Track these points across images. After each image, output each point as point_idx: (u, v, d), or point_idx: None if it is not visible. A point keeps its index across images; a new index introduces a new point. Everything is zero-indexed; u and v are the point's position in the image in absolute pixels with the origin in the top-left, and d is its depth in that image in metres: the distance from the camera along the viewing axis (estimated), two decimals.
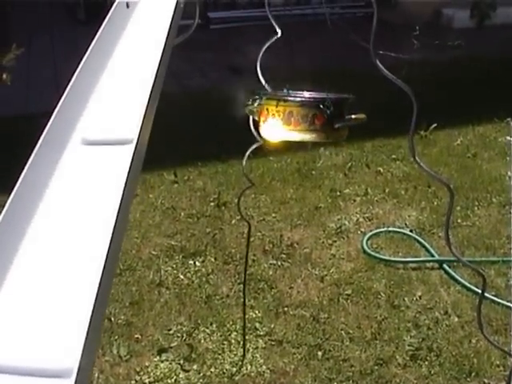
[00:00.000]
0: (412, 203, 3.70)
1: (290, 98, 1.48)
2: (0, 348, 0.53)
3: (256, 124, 1.59)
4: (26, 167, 0.65)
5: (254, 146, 1.77)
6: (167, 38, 0.85)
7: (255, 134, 1.65)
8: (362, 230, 3.45)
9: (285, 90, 1.53)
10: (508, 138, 4.46)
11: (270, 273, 3.08)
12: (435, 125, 4.49)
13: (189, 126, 4.56)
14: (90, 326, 0.50)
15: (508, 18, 7.09)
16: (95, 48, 0.81)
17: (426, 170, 1.38)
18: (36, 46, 6.36)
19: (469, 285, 2.92)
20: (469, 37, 6.95)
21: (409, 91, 1.25)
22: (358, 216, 3.59)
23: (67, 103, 0.72)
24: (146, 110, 0.69)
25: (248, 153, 1.84)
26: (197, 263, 3.16)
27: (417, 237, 3.35)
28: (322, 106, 1.44)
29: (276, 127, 1.49)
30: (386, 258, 3.18)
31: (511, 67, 5.71)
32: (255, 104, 1.53)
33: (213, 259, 3.19)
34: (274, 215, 3.61)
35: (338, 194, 3.83)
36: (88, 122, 0.73)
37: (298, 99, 1.48)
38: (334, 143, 1.46)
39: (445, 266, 3.08)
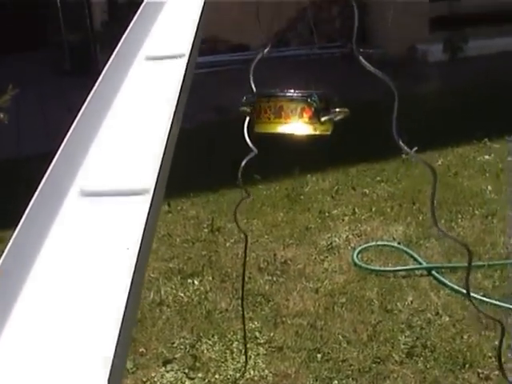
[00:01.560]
0: (398, 219, 3.85)
1: (280, 94, 1.65)
2: (92, 177, 0.67)
3: (251, 125, 1.73)
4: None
5: (249, 157, 1.89)
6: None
7: (250, 144, 1.78)
8: (352, 245, 3.58)
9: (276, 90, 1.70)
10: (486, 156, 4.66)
11: (267, 287, 3.19)
12: (416, 148, 4.64)
13: (179, 161, 4.70)
14: (162, 159, 0.65)
15: (480, 49, 7.41)
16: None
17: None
18: (24, 97, 6.54)
19: (457, 287, 3.04)
20: (443, 69, 7.26)
21: (389, 82, 1.39)
22: (347, 233, 3.72)
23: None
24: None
25: (243, 163, 1.96)
26: (195, 282, 3.27)
27: (404, 248, 3.48)
28: (309, 100, 1.61)
29: (268, 121, 1.64)
30: (377, 268, 3.30)
31: (484, 96, 5.97)
32: (249, 103, 1.69)
33: (210, 278, 3.30)
34: (266, 237, 3.73)
35: (327, 214, 3.97)
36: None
37: (288, 94, 1.65)
38: (320, 136, 1.59)
39: (433, 272, 3.21)
